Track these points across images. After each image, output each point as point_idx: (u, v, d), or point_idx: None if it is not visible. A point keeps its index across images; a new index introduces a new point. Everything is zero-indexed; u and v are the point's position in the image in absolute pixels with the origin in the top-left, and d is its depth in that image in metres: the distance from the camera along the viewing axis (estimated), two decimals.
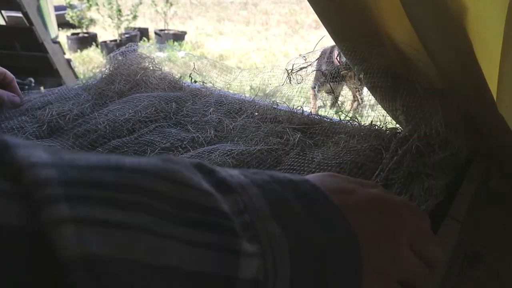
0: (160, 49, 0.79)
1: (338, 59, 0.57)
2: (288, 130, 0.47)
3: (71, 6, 4.27)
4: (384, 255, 0.22)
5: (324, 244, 0.19)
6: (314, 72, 0.51)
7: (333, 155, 0.40)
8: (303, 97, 0.53)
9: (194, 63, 0.69)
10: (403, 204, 0.25)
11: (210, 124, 0.52)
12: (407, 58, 0.44)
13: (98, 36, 4.44)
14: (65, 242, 0.12)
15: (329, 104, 0.55)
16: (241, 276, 0.15)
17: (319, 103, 0.52)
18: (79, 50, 4.20)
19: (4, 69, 0.60)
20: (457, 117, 0.40)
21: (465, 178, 0.41)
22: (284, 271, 0.17)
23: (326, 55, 0.72)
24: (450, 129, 0.38)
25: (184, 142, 0.47)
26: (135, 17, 4.51)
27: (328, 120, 0.50)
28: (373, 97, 0.48)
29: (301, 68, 0.51)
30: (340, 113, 0.50)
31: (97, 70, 0.75)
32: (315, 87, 0.53)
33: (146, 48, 0.72)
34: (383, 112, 0.47)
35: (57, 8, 4.19)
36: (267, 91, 0.58)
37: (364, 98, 0.51)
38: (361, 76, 0.45)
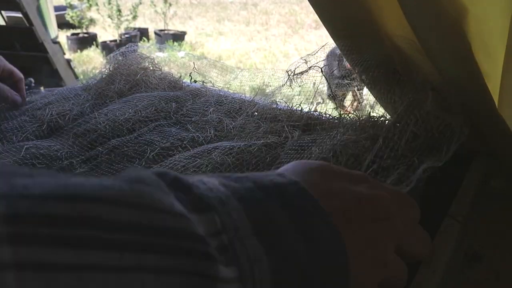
0: (160, 49, 0.79)
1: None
2: (286, 127, 0.47)
3: (71, 6, 4.28)
4: (369, 262, 0.22)
5: (311, 261, 0.18)
6: (322, 77, 0.50)
7: (329, 149, 0.40)
8: (303, 97, 0.53)
9: (194, 63, 0.69)
10: (391, 201, 0.25)
11: (210, 123, 0.52)
12: (406, 54, 0.44)
13: (98, 36, 4.44)
14: None
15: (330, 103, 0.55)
16: None
17: (319, 99, 0.51)
18: (79, 50, 4.20)
19: (13, 68, 0.60)
20: (455, 104, 0.39)
21: (465, 178, 0.41)
22: None
23: (336, 57, 0.71)
24: (446, 111, 0.37)
25: (184, 142, 0.47)
26: (135, 17, 4.51)
27: (327, 116, 0.50)
28: (372, 96, 0.48)
29: (301, 73, 0.51)
30: (339, 109, 0.50)
31: (97, 71, 0.75)
32: (331, 94, 0.53)
33: (146, 48, 0.73)
34: (382, 111, 0.47)
35: (57, 8, 4.19)
36: (267, 91, 0.58)
37: (364, 97, 0.51)
38: (363, 76, 0.45)
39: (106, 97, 0.60)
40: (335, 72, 0.52)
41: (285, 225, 0.19)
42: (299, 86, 0.52)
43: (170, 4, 4.77)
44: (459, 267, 0.39)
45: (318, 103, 0.51)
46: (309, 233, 0.19)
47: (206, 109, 0.56)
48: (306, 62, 0.51)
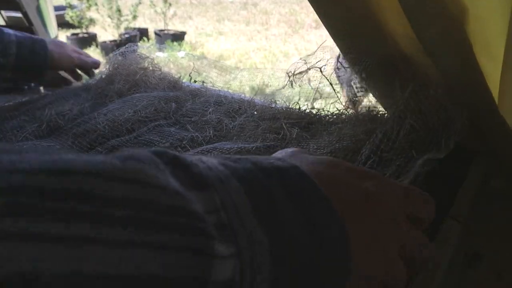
0: (160, 49, 0.79)
1: None
2: (285, 126, 0.47)
3: (71, 6, 4.27)
4: (373, 262, 0.21)
5: (311, 243, 0.18)
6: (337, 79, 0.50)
7: (326, 144, 0.40)
8: (302, 97, 0.53)
9: (193, 63, 0.69)
10: (398, 202, 0.24)
11: (209, 123, 0.52)
12: (406, 53, 0.44)
13: (97, 36, 4.44)
14: None
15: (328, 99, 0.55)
16: (214, 279, 0.15)
17: (317, 95, 0.51)
18: None
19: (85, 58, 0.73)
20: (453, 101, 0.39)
21: (465, 178, 0.41)
22: (263, 272, 0.16)
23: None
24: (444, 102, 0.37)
25: (184, 142, 0.47)
26: (134, 17, 4.51)
27: (326, 112, 0.50)
28: (372, 95, 0.48)
29: (300, 73, 0.51)
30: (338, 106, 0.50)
31: (97, 71, 0.75)
32: (352, 99, 0.53)
33: (146, 48, 0.72)
34: (382, 109, 0.47)
35: (57, 8, 4.17)
36: (267, 91, 0.58)
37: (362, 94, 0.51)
38: (363, 74, 0.45)
39: (105, 97, 0.60)
40: (343, 75, 0.51)
41: (285, 205, 0.18)
42: (299, 86, 0.52)
43: (170, 4, 4.77)
44: (459, 267, 0.39)
45: (315, 100, 0.51)
46: (309, 214, 0.19)
47: (205, 109, 0.56)
48: (305, 62, 0.51)
